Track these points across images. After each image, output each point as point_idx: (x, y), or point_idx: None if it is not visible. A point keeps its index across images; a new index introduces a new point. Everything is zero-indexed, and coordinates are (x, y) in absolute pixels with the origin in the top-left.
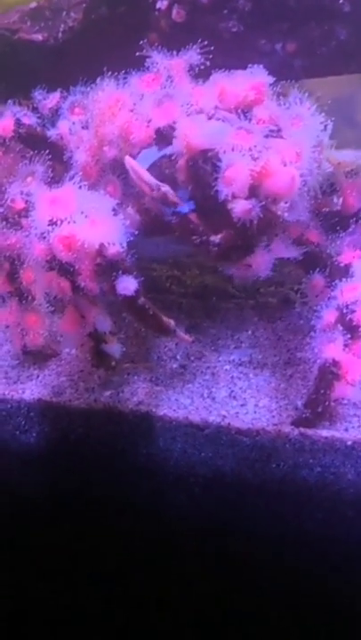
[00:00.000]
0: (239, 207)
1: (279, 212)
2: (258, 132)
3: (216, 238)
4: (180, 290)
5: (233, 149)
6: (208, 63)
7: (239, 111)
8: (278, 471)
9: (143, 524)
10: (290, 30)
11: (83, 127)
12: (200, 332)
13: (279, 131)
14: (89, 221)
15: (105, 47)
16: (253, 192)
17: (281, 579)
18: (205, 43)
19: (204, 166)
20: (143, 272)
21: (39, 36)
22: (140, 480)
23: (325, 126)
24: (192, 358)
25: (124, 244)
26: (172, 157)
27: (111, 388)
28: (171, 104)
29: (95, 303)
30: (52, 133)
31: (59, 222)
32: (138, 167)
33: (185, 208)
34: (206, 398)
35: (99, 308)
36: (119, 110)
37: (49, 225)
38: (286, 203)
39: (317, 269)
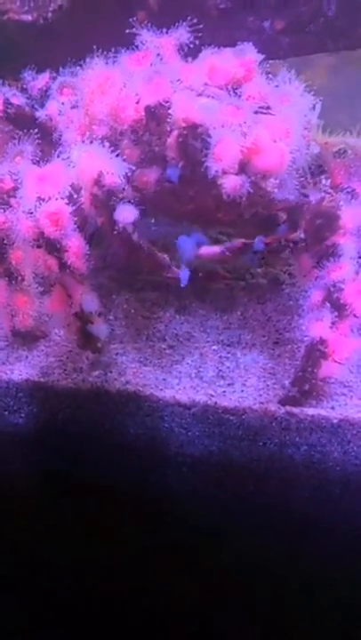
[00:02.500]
0: (229, 183)
1: (269, 189)
2: (247, 109)
3: (299, 234)
4: None
5: (223, 126)
6: (197, 42)
7: (229, 88)
8: (265, 450)
9: (131, 504)
10: (278, 7)
11: (72, 107)
12: (189, 314)
13: (268, 108)
14: (87, 154)
15: (94, 26)
16: (243, 168)
17: (267, 557)
18: (194, 21)
19: (193, 143)
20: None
21: (28, 17)
22: (127, 459)
23: (314, 106)
24: (181, 339)
25: (122, 177)
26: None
27: (99, 369)
28: (161, 81)
29: (82, 282)
30: (40, 114)
31: (47, 199)
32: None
33: (259, 245)
34: (194, 378)
35: (85, 287)
36: (109, 88)
37: (37, 201)
38: (276, 179)
39: None
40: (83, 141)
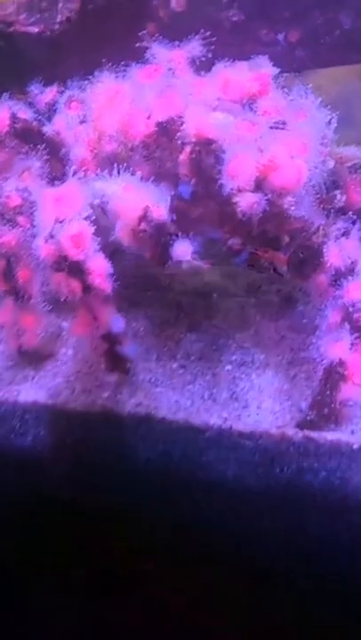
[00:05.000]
0: (245, 201)
1: (286, 206)
2: (263, 124)
3: (282, 268)
4: (179, 288)
5: (238, 141)
6: (210, 55)
7: (243, 103)
8: (282, 475)
9: (142, 531)
10: (292, 19)
11: (80, 122)
12: (200, 331)
13: (284, 123)
14: (121, 188)
15: (102, 38)
16: (259, 185)
17: (286, 588)
18: (207, 33)
19: (206, 159)
20: (140, 269)
21: (35, 29)
22: (139, 485)
23: (330, 121)
24: (192, 358)
25: (167, 208)
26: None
27: (109, 390)
28: (173, 95)
29: (107, 303)
30: (48, 129)
31: (66, 220)
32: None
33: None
34: (207, 400)
35: (112, 307)
36: (118, 103)
37: (55, 223)
38: (293, 197)
39: None
40: (93, 158)
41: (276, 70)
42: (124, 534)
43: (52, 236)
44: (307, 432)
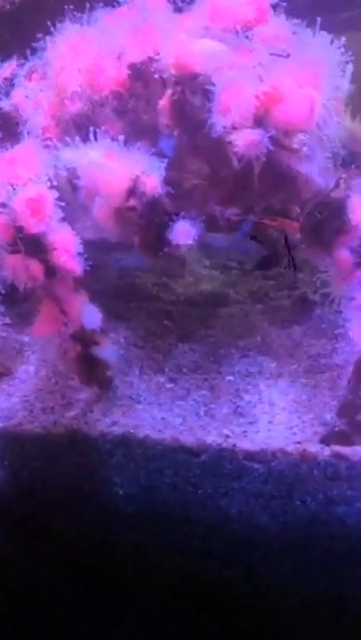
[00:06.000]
0: (243, 139)
1: (295, 146)
2: (262, 51)
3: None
4: (169, 297)
5: (231, 69)
6: None
7: (237, 30)
8: (305, 510)
9: (124, 589)
10: None
11: (42, 91)
12: (194, 341)
13: (288, 55)
14: (101, 155)
15: (69, 9)
16: (259, 122)
17: None
18: None
19: (192, 99)
20: (124, 280)
21: None
22: (115, 530)
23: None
24: (184, 370)
25: (162, 177)
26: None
27: (76, 408)
28: (148, 30)
29: (78, 290)
30: (4, 104)
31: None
32: None
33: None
34: (203, 416)
35: (84, 296)
36: (82, 50)
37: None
38: (304, 136)
39: None
40: (56, 124)
41: None
42: (100, 595)
43: (3, 206)
44: (336, 447)
